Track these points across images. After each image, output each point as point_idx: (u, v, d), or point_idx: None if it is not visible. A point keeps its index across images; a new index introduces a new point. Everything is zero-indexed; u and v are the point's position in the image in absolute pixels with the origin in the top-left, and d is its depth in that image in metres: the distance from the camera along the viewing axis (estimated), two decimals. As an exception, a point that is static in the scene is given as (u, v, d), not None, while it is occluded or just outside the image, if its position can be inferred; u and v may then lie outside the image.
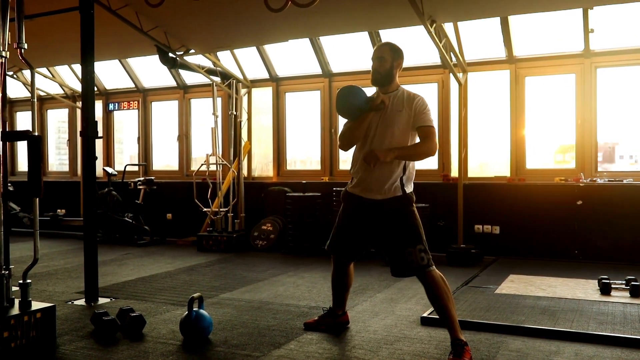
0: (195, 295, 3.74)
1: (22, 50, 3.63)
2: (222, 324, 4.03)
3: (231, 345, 3.56)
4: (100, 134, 9.72)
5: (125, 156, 10.34)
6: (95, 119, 4.84)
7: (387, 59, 3.53)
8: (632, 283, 4.83)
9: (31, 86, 3.93)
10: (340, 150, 8.20)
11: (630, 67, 6.77)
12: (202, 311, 3.74)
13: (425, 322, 4.06)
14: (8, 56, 3.54)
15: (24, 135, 3.62)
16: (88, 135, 4.75)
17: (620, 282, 5.04)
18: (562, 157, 7.30)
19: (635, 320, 4.08)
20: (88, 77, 4.77)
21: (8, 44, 3.59)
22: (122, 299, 4.90)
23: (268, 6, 4.46)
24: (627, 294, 4.84)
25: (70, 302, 4.74)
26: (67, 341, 3.67)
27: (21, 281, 3.68)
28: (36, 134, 3.61)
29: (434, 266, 3.37)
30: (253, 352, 3.42)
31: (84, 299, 4.80)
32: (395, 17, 6.30)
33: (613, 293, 4.89)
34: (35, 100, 3.79)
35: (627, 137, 7.02)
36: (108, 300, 4.84)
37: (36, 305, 3.69)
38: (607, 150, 7.81)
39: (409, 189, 3.51)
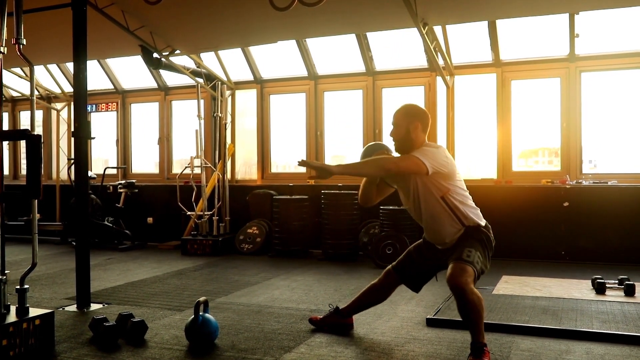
0: (202, 299, 3.65)
1: (21, 46, 3.49)
2: (225, 329, 3.93)
3: (240, 350, 3.47)
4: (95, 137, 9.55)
5: (103, 159, 10.10)
6: (88, 119, 4.69)
7: (401, 125, 3.47)
8: (626, 282, 4.90)
9: (30, 83, 3.78)
10: (326, 156, 8.19)
11: (614, 71, 6.91)
12: (208, 315, 3.65)
13: (431, 323, 4.04)
14: (6, 52, 3.40)
15: (22, 134, 3.48)
16: (80, 135, 4.60)
17: (613, 281, 5.11)
18: (526, 161, 7.41)
19: (635, 318, 4.14)
20: (80, 76, 4.63)
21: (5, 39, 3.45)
22: (115, 304, 4.75)
23: (274, 5, 4.38)
24: (621, 293, 4.91)
25: (61, 309, 4.58)
26: (68, 348, 3.52)
27: (18, 287, 3.53)
28: (36, 133, 3.47)
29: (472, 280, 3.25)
30: (264, 357, 3.35)
31: (75, 305, 4.64)
32: (386, 19, 6.31)
33: (608, 292, 4.95)
34: (35, 98, 3.65)
35: (590, 143, 7.13)
36: (101, 306, 4.69)
37: (34, 311, 3.54)
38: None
39: (473, 222, 3.44)
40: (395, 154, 3.60)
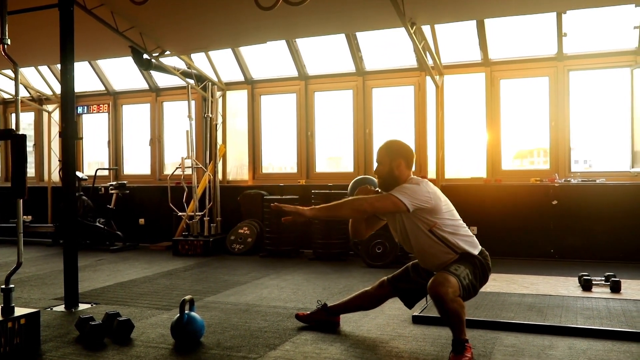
0: (187, 297, 3.66)
1: (5, 46, 3.50)
2: (212, 327, 3.95)
3: (225, 348, 3.49)
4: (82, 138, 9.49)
5: (95, 161, 10.09)
6: (75, 119, 4.71)
7: (385, 162, 3.45)
8: (612, 279, 4.93)
9: (15, 83, 3.79)
10: (316, 156, 8.21)
11: (601, 70, 6.95)
12: (193, 314, 3.66)
13: (417, 320, 4.06)
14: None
15: (6, 134, 3.49)
16: (68, 136, 4.61)
17: (600, 278, 5.14)
18: (521, 161, 7.45)
19: (620, 314, 4.17)
20: (68, 77, 4.62)
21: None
22: (103, 304, 4.76)
23: (258, 5, 4.40)
24: (607, 289, 4.94)
25: (49, 309, 4.58)
26: (53, 348, 3.53)
27: (4, 286, 3.54)
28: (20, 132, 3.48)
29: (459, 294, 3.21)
30: (249, 354, 3.36)
31: (63, 305, 4.64)
32: (375, 19, 6.33)
33: (594, 289, 4.99)
34: (19, 98, 3.66)
35: (583, 142, 7.17)
36: (89, 305, 4.70)
37: (19, 311, 3.55)
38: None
39: (466, 251, 3.37)
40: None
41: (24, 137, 3.42)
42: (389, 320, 4.12)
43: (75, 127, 4.68)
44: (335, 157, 8.35)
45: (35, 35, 6.85)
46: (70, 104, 4.68)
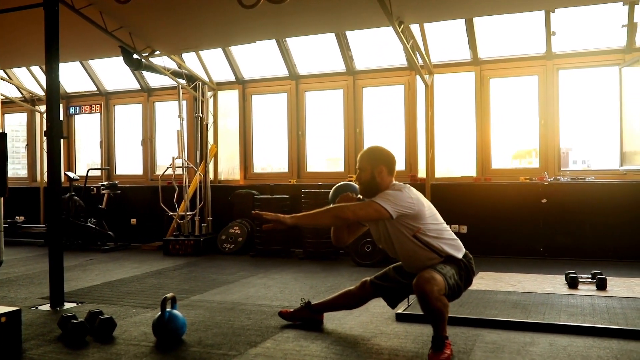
0: (169, 295, 3.66)
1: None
2: (195, 325, 3.95)
3: (206, 345, 3.49)
4: (67, 137, 9.50)
5: (88, 161, 10.09)
6: (61, 119, 4.70)
7: (366, 169, 3.42)
8: (598, 276, 4.94)
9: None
10: (307, 156, 8.21)
11: (590, 68, 6.96)
12: (175, 311, 3.66)
13: (400, 318, 4.06)
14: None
15: (-13, 132, 3.48)
16: (53, 135, 4.61)
17: (587, 276, 5.15)
18: (519, 162, 7.46)
19: (604, 311, 4.17)
20: (53, 76, 4.62)
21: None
22: (89, 303, 4.76)
23: (241, 3, 4.40)
24: (593, 287, 4.95)
25: (34, 308, 4.58)
26: (34, 346, 3.53)
27: (-15, 284, 3.54)
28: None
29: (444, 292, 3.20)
30: (229, 352, 3.36)
31: (49, 304, 4.64)
32: (363, 18, 6.33)
33: (580, 287, 4.99)
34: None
35: (580, 142, 7.19)
36: (74, 304, 4.70)
37: (1, 309, 3.54)
38: (561, 155, 7.98)
39: (450, 255, 3.38)
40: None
41: (4, 135, 3.42)
42: (373, 318, 4.12)
43: (60, 126, 4.66)
44: (334, 157, 8.29)
45: (21, 36, 6.84)
46: (55, 103, 4.67)
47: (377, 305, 4.45)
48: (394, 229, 3.36)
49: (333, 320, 4.04)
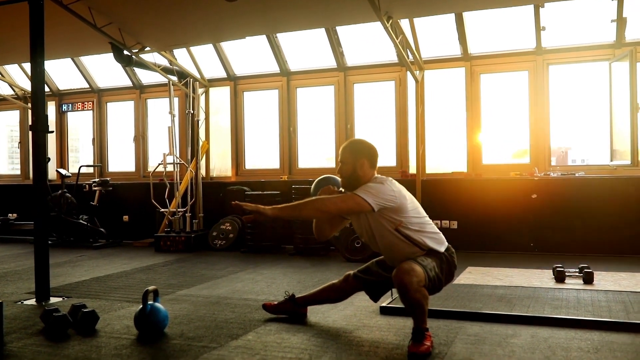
0: (150, 288, 3.65)
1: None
2: (178, 319, 3.95)
3: (187, 338, 3.48)
4: (51, 134, 9.46)
5: (81, 158, 10.09)
6: (46, 113, 4.70)
7: (348, 162, 3.40)
8: (585, 270, 4.94)
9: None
10: (299, 152, 8.21)
11: (580, 64, 6.96)
12: (157, 304, 3.65)
13: (384, 311, 4.06)
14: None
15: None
16: (38, 129, 4.60)
17: (574, 270, 5.15)
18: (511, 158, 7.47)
19: (588, 304, 4.17)
20: (38, 69, 4.61)
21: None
22: (75, 297, 4.75)
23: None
24: (580, 281, 4.95)
25: (20, 302, 4.58)
26: (15, 339, 3.52)
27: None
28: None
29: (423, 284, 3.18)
30: (210, 344, 3.36)
31: (34, 299, 4.63)
32: (352, 13, 6.34)
33: (567, 280, 4.99)
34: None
35: (579, 141, 7.20)
36: (60, 299, 4.69)
37: (-18, 302, 3.53)
38: (560, 155, 8.00)
39: (432, 248, 3.35)
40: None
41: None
42: (357, 311, 4.12)
43: (46, 120, 4.66)
44: (325, 154, 8.27)
45: (7, 31, 6.83)
46: (40, 97, 4.66)
47: (362, 299, 4.44)
48: (376, 222, 3.35)
49: (317, 314, 4.03)
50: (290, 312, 3.97)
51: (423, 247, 3.33)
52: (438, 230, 3.47)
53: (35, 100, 4.66)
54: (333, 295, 3.94)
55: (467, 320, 3.79)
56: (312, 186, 3.69)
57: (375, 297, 3.80)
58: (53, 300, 4.64)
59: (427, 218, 3.45)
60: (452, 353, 3.15)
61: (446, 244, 3.46)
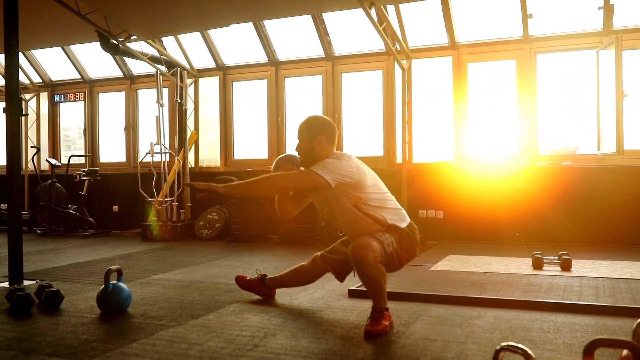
0: (113, 267, 3.64)
1: None
2: (144, 300, 3.93)
3: (148, 317, 3.47)
4: (43, 125, 9.47)
5: (74, 149, 10.10)
6: (20, 96, 4.69)
7: (305, 139, 3.39)
8: (563, 257, 4.88)
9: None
10: (287, 142, 8.17)
11: (568, 52, 6.88)
12: (120, 284, 3.64)
13: (352, 294, 4.03)
14: None
15: None
16: (11, 111, 4.59)
17: (553, 257, 5.09)
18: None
19: (561, 289, 4.11)
20: (12, 52, 4.60)
21: None
22: (49, 281, 4.73)
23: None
24: (558, 268, 4.89)
25: (-8, 285, 4.58)
26: (-23, 317, 3.52)
27: None
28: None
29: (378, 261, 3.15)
30: (169, 322, 3.34)
31: (7, 282, 4.63)
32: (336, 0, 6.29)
33: (545, 267, 4.94)
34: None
35: (588, 142, 7.03)
36: (33, 282, 4.68)
37: (-56, 280, 3.53)
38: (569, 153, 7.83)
39: (393, 225, 3.29)
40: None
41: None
42: (326, 294, 4.09)
43: (20, 103, 4.65)
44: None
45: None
46: (14, 81, 4.64)
47: (334, 283, 4.40)
48: (335, 198, 3.31)
49: (285, 296, 4.01)
50: (259, 292, 3.96)
51: (383, 223, 3.28)
52: (400, 207, 3.43)
53: (9, 83, 4.64)
54: (302, 277, 3.92)
55: (433, 303, 3.75)
56: (273, 165, 3.66)
57: (340, 277, 3.75)
58: (26, 283, 4.62)
59: (389, 194, 3.41)
60: (410, 332, 3.12)
61: (408, 220, 3.40)
